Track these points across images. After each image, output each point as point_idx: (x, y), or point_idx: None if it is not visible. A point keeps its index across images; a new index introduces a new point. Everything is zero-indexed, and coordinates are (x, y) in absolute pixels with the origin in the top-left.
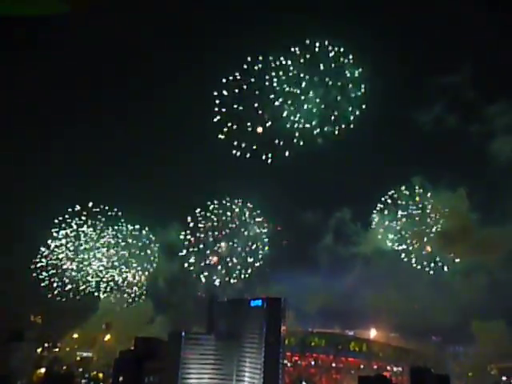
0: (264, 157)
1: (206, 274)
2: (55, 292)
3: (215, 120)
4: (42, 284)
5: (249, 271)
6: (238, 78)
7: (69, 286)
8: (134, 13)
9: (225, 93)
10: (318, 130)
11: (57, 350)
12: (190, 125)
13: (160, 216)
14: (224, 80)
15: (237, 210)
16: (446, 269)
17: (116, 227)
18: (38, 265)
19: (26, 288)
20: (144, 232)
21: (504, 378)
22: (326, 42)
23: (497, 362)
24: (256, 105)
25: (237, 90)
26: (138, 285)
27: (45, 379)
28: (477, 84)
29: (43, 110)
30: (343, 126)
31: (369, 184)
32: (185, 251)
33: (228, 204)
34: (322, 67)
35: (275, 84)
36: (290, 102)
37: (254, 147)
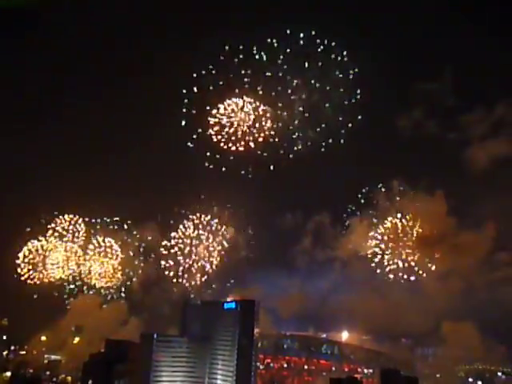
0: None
1: (182, 275)
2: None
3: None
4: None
5: (224, 273)
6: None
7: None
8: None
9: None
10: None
11: (24, 352)
12: (165, 124)
13: (137, 216)
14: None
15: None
16: (421, 272)
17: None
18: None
19: None
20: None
21: (471, 380)
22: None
23: (464, 364)
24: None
25: (211, 87)
26: (111, 286)
27: (10, 383)
28: (456, 92)
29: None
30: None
31: (348, 187)
32: (161, 252)
33: (205, 205)
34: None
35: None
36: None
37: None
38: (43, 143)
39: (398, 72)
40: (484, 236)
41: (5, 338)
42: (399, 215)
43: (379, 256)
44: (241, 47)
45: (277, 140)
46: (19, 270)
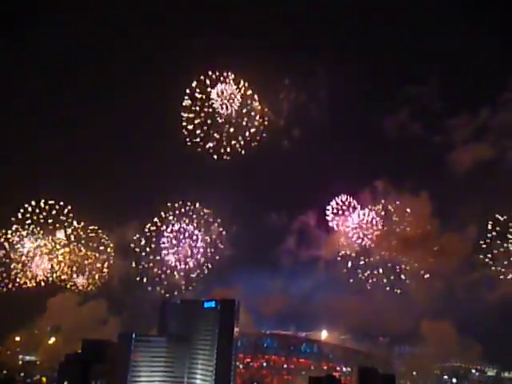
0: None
1: (164, 274)
2: None
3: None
4: None
5: (207, 272)
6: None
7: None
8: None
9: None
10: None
11: None
12: (151, 124)
13: (118, 215)
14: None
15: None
16: (403, 272)
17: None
18: None
19: None
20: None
21: (445, 377)
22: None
23: (440, 362)
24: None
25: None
26: (91, 285)
27: None
28: (442, 96)
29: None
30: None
31: (333, 187)
32: (142, 250)
33: (189, 204)
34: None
35: None
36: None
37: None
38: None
39: (386, 74)
40: (465, 237)
41: None
42: (384, 215)
43: (362, 256)
44: None
45: (263, 138)
46: None
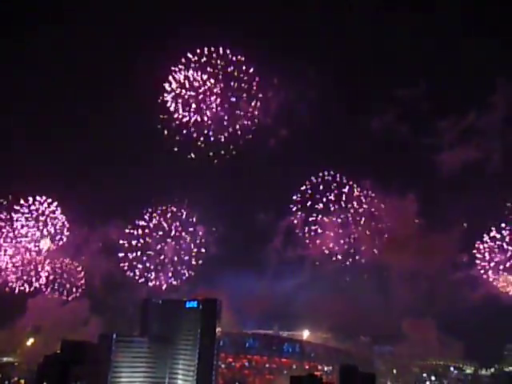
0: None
1: (148, 274)
2: None
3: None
4: None
5: (193, 272)
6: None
7: None
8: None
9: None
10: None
11: None
12: (138, 123)
13: (101, 214)
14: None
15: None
16: (388, 272)
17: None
18: None
19: None
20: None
21: (425, 375)
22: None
23: (420, 361)
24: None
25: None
26: (72, 284)
27: None
28: (430, 98)
29: None
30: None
31: (320, 187)
32: (126, 250)
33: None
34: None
35: None
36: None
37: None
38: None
39: (373, 76)
40: (450, 238)
41: None
42: (370, 216)
43: (348, 256)
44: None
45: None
46: None
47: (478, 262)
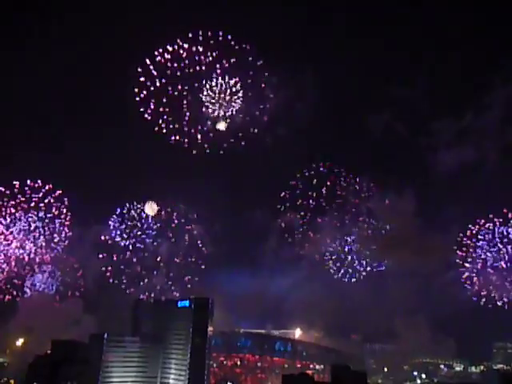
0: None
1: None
2: None
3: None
4: None
5: (188, 271)
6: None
7: None
8: None
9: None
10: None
11: None
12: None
13: (96, 211)
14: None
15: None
16: (385, 272)
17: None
18: None
19: None
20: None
21: (415, 373)
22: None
23: (410, 359)
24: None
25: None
26: (66, 283)
27: None
28: (427, 98)
29: None
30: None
31: (316, 186)
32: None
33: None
34: None
35: None
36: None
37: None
38: None
39: (373, 75)
40: (446, 238)
41: None
42: (368, 215)
43: (344, 255)
44: None
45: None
46: None
47: (469, 260)
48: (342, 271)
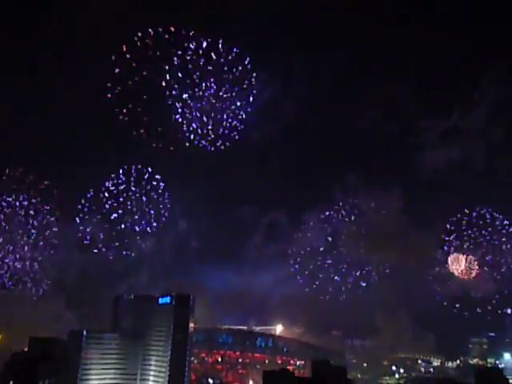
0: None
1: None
2: None
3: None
4: None
5: (172, 267)
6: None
7: None
8: None
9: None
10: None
11: None
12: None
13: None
14: None
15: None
16: (368, 269)
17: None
18: None
19: None
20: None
21: (394, 368)
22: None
23: (389, 354)
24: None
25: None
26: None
27: None
28: (415, 98)
29: None
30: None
31: (305, 184)
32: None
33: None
34: None
35: None
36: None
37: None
38: None
39: (361, 75)
40: (430, 236)
41: None
42: (355, 212)
43: (329, 251)
44: None
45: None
46: None
47: (449, 258)
48: (326, 267)
